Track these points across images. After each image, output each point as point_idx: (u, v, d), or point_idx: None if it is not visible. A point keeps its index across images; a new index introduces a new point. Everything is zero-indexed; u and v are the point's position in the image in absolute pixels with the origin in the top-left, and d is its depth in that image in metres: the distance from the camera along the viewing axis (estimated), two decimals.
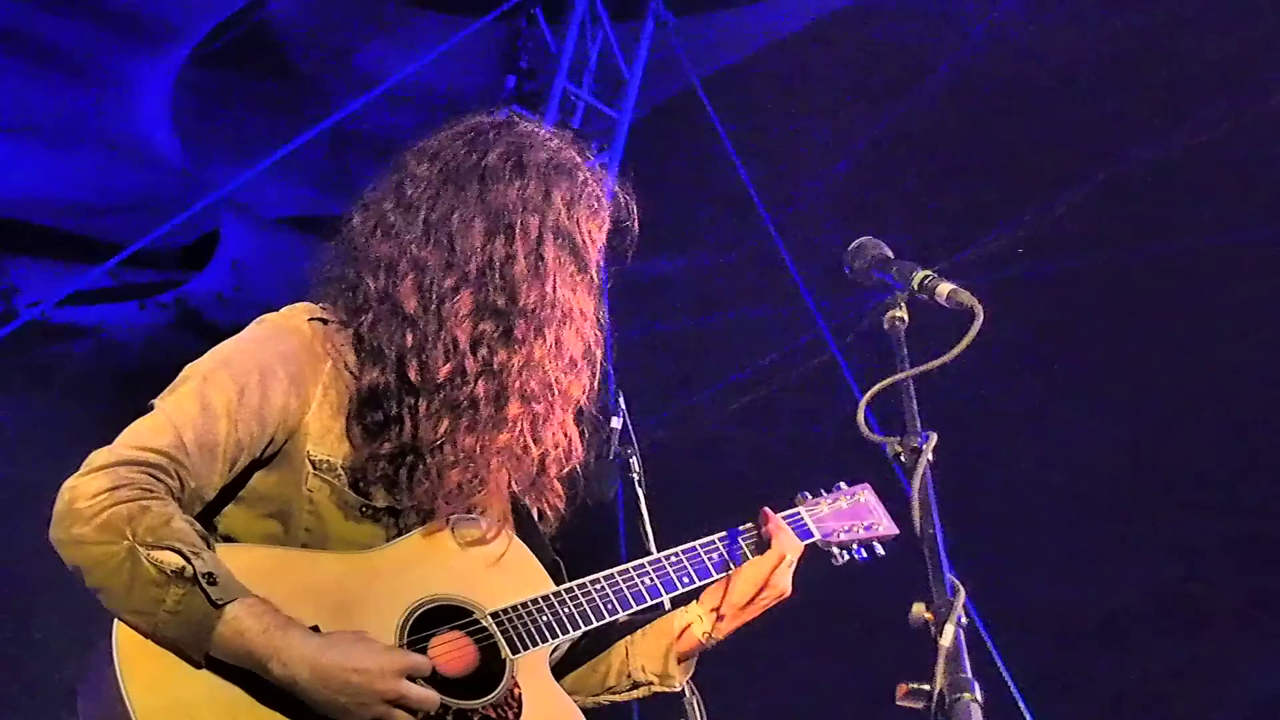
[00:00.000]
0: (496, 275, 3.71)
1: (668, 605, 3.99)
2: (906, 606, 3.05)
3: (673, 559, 3.98)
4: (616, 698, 4.11)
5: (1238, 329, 9.85)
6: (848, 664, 9.66)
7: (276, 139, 9.54)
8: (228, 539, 3.64)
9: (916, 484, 3.21)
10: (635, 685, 4.09)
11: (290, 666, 3.39)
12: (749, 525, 4.09)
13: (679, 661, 4.05)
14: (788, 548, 4.03)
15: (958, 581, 3.06)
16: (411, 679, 3.49)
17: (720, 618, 4.01)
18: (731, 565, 4.01)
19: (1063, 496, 10.38)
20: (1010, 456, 10.23)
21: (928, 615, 3.02)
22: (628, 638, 4.06)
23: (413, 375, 3.67)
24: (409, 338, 3.68)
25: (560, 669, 3.89)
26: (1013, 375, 9.46)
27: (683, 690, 4.66)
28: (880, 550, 4.23)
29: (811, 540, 4.17)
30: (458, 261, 3.71)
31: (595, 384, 3.87)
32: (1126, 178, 9.53)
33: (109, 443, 3.53)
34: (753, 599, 4.02)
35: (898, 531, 4.23)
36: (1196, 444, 10.16)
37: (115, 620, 3.40)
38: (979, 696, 2.91)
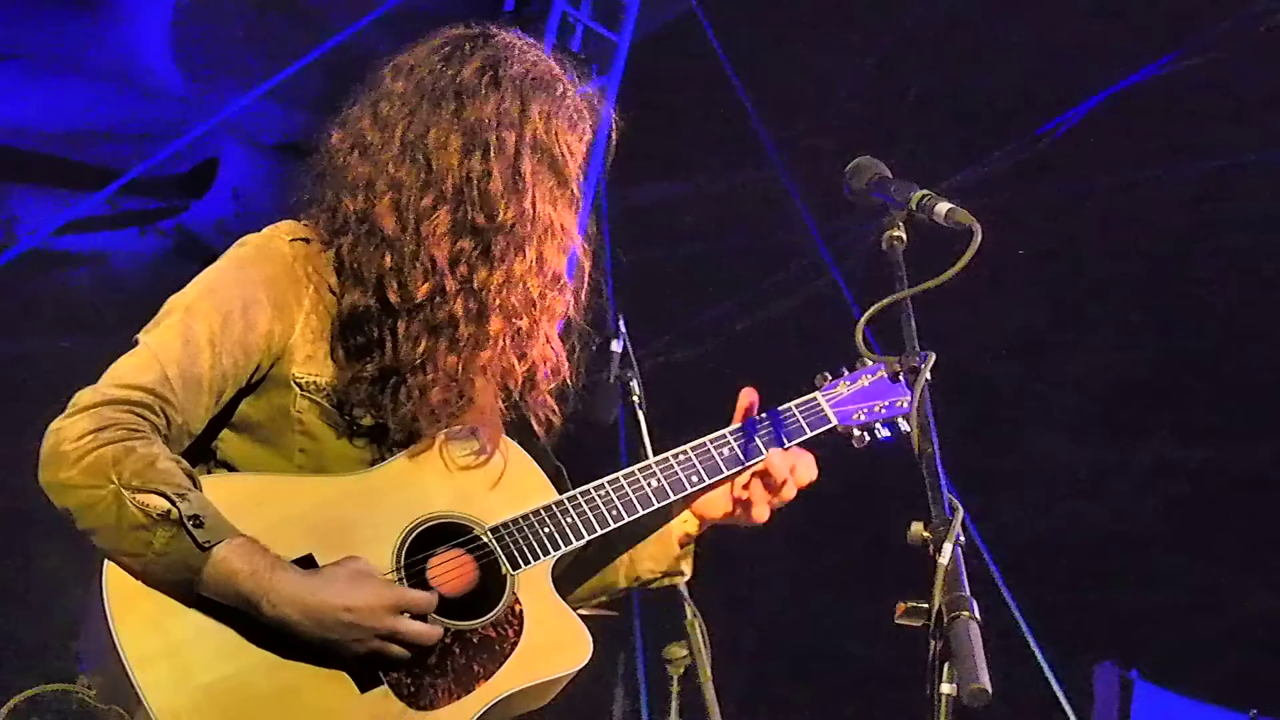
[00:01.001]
0: (474, 192, 3.68)
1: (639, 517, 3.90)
2: (905, 525, 3.05)
3: (681, 458, 3.91)
4: (619, 594, 4.09)
5: (1241, 251, 9.85)
6: (848, 586, 9.71)
7: (275, 64, 9.50)
8: (227, 465, 3.64)
9: (915, 403, 3.21)
10: (645, 584, 4.06)
11: (280, 607, 3.38)
12: (764, 415, 4.00)
13: (681, 547, 4.02)
14: (787, 461, 3.93)
15: (956, 501, 3.06)
16: (412, 615, 3.49)
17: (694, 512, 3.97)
18: (743, 460, 3.93)
19: (1065, 418, 10.40)
20: (1009, 379, 10.24)
21: (926, 534, 3.02)
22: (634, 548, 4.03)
23: (392, 297, 3.64)
24: (388, 259, 3.65)
25: (567, 580, 3.88)
26: (1013, 297, 9.45)
27: (685, 612, 4.69)
28: (906, 427, 4.09)
29: (830, 426, 4.06)
30: (434, 180, 3.68)
31: (583, 299, 3.84)
32: (1130, 98, 9.50)
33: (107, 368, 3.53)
34: (724, 514, 3.97)
35: (910, 409, 4.10)
36: (1201, 365, 10.17)
37: (105, 561, 3.40)
38: (978, 615, 2.92)
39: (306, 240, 3.70)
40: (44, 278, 10.60)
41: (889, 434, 4.03)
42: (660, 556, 4.00)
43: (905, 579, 3.09)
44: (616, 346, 4.93)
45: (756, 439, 3.94)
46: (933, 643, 2.93)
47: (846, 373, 4.08)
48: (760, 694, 9.09)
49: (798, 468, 3.89)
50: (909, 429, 3.93)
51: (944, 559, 2.97)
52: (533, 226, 3.70)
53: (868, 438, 4.04)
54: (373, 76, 3.81)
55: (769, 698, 9.42)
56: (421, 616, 3.49)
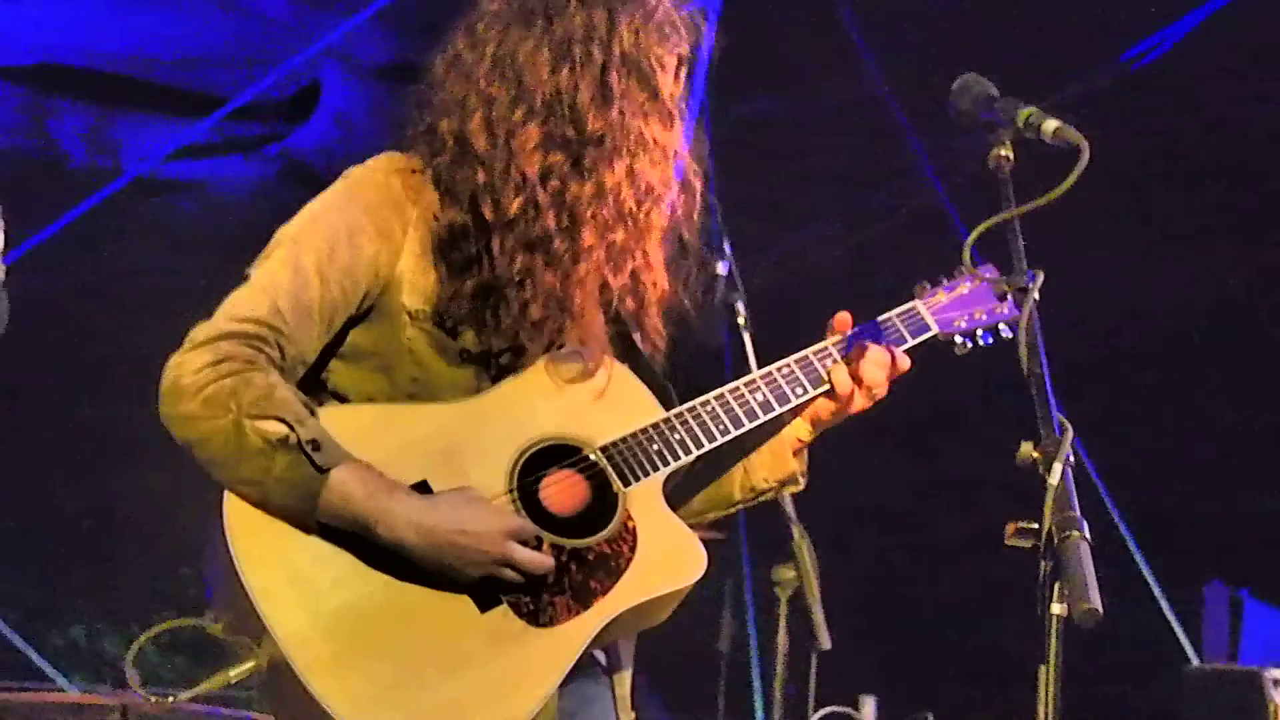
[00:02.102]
0: (562, 106, 3.71)
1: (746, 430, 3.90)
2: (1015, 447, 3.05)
3: (784, 370, 3.92)
4: (737, 508, 4.09)
5: None
6: (955, 514, 9.70)
7: None
8: (337, 395, 3.69)
9: (1023, 323, 3.20)
10: (760, 495, 4.07)
11: (396, 530, 3.43)
12: (864, 326, 3.98)
13: (795, 455, 4.02)
14: (862, 356, 3.90)
15: (1065, 420, 3.05)
16: (523, 542, 3.53)
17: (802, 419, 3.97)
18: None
19: (1168, 340, 10.31)
20: (1117, 299, 10.15)
21: (1035, 454, 3.02)
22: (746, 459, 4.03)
23: (486, 213, 3.68)
24: (480, 175, 3.69)
25: (679, 496, 3.90)
26: (1118, 217, 9.36)
27: (791, 532, 4.70)
28: (1007, 333, 4.08)
29: (931, 334, 4.05)
30: (524, 95, 3.71)
31: (684, 215, 3.84)
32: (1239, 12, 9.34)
33: (217, 297, 3.58)
34: (830, 413, 3.96)
35: (1017, 312, 4.07)
36: None
37: (225, 493, 3.47)
38: (1088, 535, 2.92)
39: (409, 170, 3.73)
40: (151, 204, 10.72)
41: (990, 339, 4.03)
42: (775, 466, 4.01)
43: (1015, 500, 3.09)
44: (722, 269, 4.93)
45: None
46: (1043, 563, 2.93)
47: (945, 281, 4.08)
48: (868, 619, 9.11)
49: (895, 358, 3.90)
50: (1009, 335, 3.95)
51: (1054, 479, 2.97)
52: (622, 138, 3.71)
53: (970, 344, 4.05)
54: (473, 1, 3.84)
55: (876, 623, 9.44)
56: (534, 543, 3.53)
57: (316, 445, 3.41)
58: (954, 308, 4.05)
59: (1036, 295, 3.22)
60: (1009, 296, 3.70)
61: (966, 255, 3.30)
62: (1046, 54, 9.53)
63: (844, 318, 3.99)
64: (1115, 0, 9.47)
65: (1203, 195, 10.06)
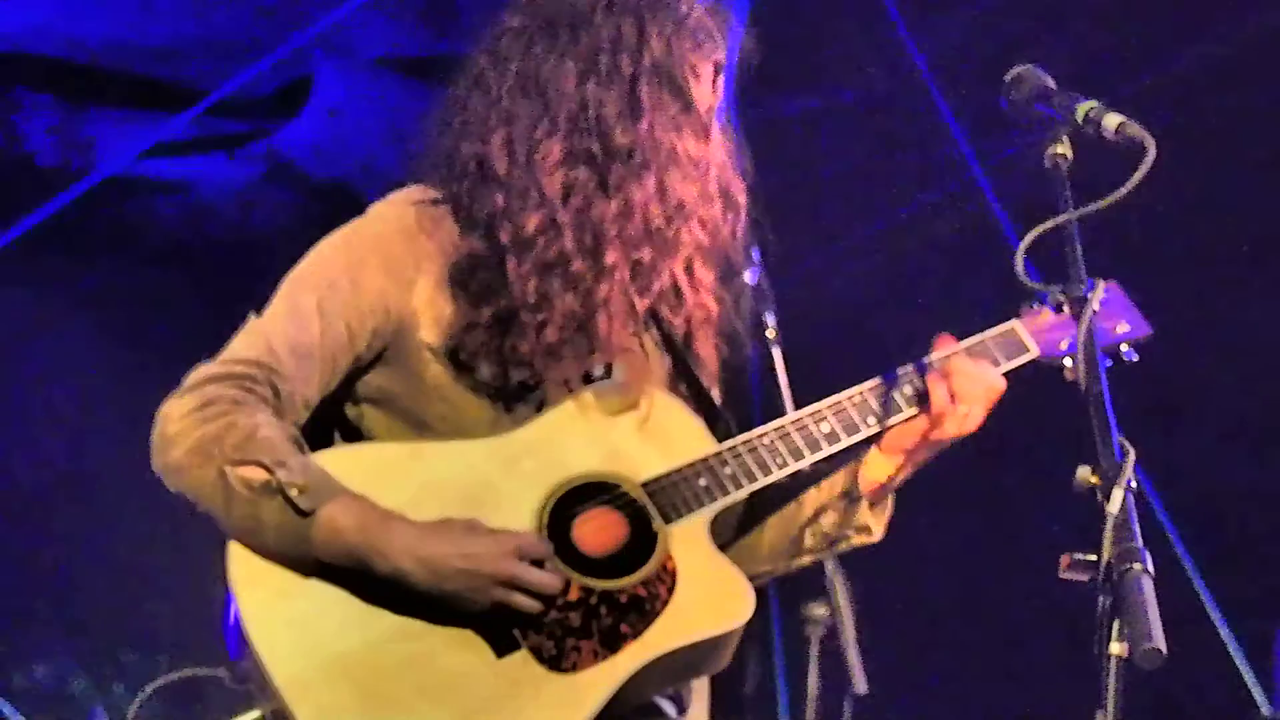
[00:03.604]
0: (588, 120, 3.76)
1: (807, 466, 3.94)
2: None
3: (855, 398, 3.93)
4: (814, 557, 4.09)
5: None
6: (1003, 538, 9.68)
7: None
8: (370, 438, 3.75)
9: (1081, 336, 3.23)
10: (832, 543, 4.08)
11: (393, 559, 3.48)
12: (937, 355, 3.99)
13: (871, 507, 4.03)
14: (956, 370, 3.91)
15: (1127, 443, 3.06)
16: (534, 563, 3.54)
17: (884, 451, 3.97)
18: (921, 400, 3.91)
19: (1242, 362, 10.27)
20: (1186, 313, 10.13)
21: (1093, 479, 3.04)
22: (809, 492, 4.03)
23: (504, 236, 3.73)
24: (499, 198, 3.74)
25: (731, 534, 3.91)
26: (1188, 221, 9.34)
27: (824, 568, 4.71)
28: (1131, 356, 4.05)
29: (1030, 357, 4.05)
30: (548, 110, 3.76)
31: (722, 232, 3.87)
32: None
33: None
34: (921, 435, 3.95)
35: (1149, 330, 4.09)
36: None
37: (229, 543, 3.54)
38: (1150, 568, 2.93)
39: (428, 200, 3.78)
40: (125, 207, 10.72)
41: (1109, 361, 4.00)
42: (845, 511, 4.02)
43: (1068, 530, 3.10)
44: (750, 278, 4.94)
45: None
46: (1101, 599, 2.94)
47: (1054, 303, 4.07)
48: (908, 657, 9.10)
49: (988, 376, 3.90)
50: (1132, 359, 3.94)
51: (1113, 507, 2.98)
52: (652, 153, 3.75)
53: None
54: (493, 19, 3.89)
55: (916, 661, 9.43)
56: (540, 565, 3.55)
57: (300, 488, 3.46)
58: (1060, 328, 4.03)
59: (1096, 307, 3.24)
60: (1125, 325, 3.71)
61: (1019, 264, 3.32)
62: (1116, 43, 9.52)
63: (946, 338, 4.00)
64: None
65: None
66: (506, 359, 3.75)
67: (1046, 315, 4.09)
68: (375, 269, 3.74)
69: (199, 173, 10.97)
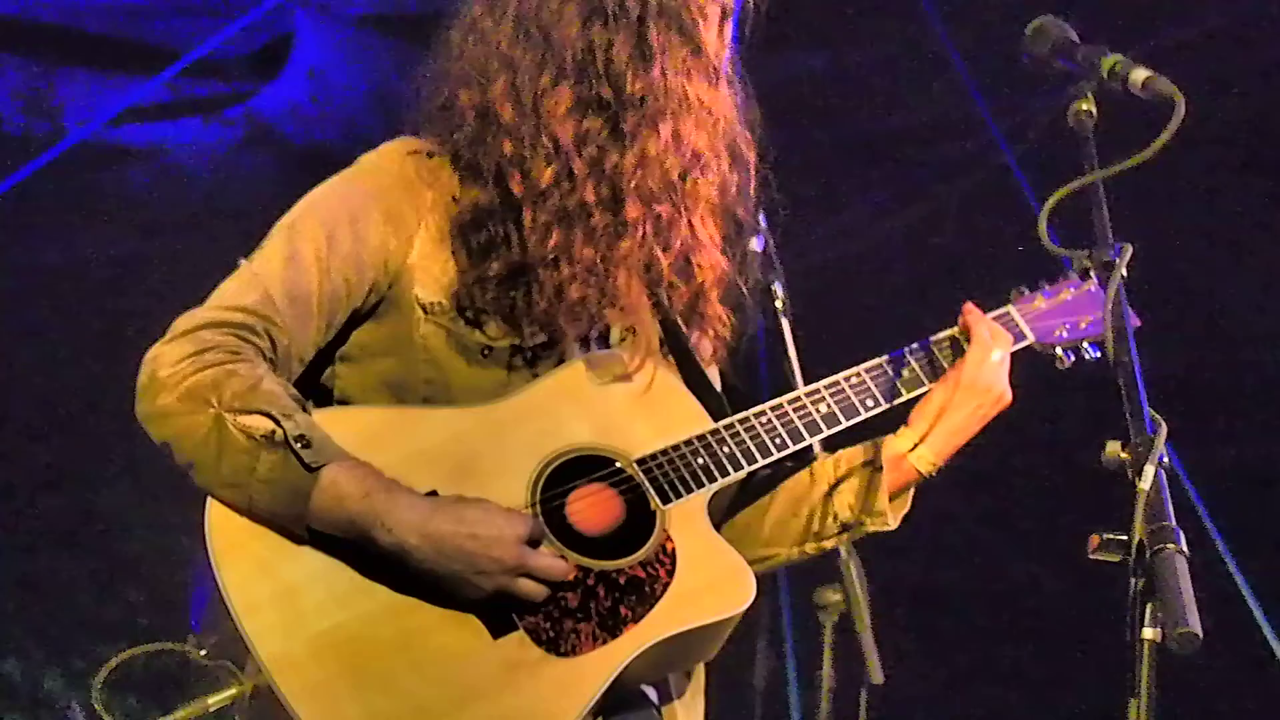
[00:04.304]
0: (596, 65, 3.75)
1: (817, 449, 3.95)
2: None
3: (853, 380, 3.95)
4: (821, 544, 4.08)
5: None
6: (1027, 516, 9.69)
7: None
8: (343, 403, 3.72)
9: (1109, 304, 3.20)
10: (843, 528, 4.07)
11: (397, 532, 3.46)
12: (944, 334, 4.01)
13: (891, 498, 4.03)
14: (994, 341, 3.94)
15: (1158, 417, 3.04)
16: (537, 546, 3.54)
17: (925, 439, 3.96)
18: (925, 381, 3.94)
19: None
20: (1217, 278, 10.12)
21: (1124, 455, 3.02)
22: (822, 466, 4.03)
23: (515, 187, 3.71)
24: (507, 146, 3.72)
25: (721, 515, 3.90)
26: (1220, 181, 9.33)
27: (838, 551, 4.70)
28: (1093, 350, 4.06)
29: (1026, 343, 4.06)
30: (552, 55, 3.75)
31: (737, 189, 3.86)
32: None
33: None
34: (964, 411, 3.95)
35: (1139, 323, 4.10)
36: None
37: (208, 501, 3.49)
38: (1184, 548, 2.91)
39: (424, 152, 3.76)
40: (97, 173, 10.71)
41: (1099, 353, 4.02)
42: (860, 489, 4.01)
43: (1096, 508, 3.08)
44: (756, 245, 4.93)
45: (937, 353, 3.97)
46: (1133, 580, 2.93)
47: (1045, 285, 4.09)
48: (926, 644, 9.11)
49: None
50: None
51: (1144, 483, 2.97)
52: (665, 100, 3.75)
53: (1073, 357, 4.06)
54: None
55: (932, 648, 9.43)
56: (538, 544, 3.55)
57: (306, 442, 3.45)
58: (1054, 315, 4.06)
59: (1124, 272, 3.23)
60: (1093, 275, 3.70)
61: (1042, 226, 3.30)
62: None
63: (968, 307, 4.00)
64: None
65: None
66: (518, 316, 3.74)
67: (1040, 302, 4.11)
68: (378, 219, 3.73)
69: (174, 138, 10.95)
